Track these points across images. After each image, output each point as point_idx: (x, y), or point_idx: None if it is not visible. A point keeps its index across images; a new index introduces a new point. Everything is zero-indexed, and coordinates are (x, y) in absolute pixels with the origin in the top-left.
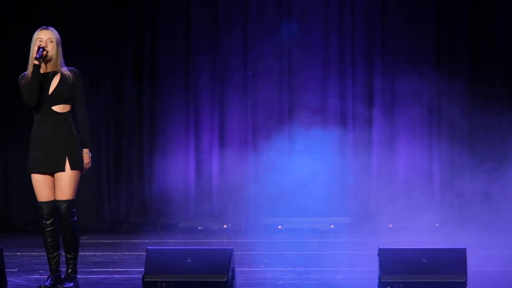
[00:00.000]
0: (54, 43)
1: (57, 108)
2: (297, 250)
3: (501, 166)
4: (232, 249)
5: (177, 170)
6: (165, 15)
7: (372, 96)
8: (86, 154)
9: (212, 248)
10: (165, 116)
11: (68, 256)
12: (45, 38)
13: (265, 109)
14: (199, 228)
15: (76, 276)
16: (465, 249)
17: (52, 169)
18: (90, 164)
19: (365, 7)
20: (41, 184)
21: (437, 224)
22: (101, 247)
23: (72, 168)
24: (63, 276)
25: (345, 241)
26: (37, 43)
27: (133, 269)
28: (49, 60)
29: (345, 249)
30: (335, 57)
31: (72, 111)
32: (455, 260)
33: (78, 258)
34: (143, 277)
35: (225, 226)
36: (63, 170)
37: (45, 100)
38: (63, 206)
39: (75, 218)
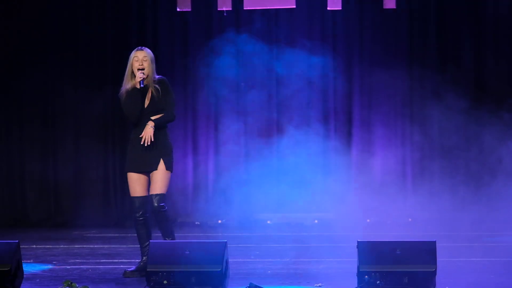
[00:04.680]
0: (149, 61)
1: (153, 117)
2: (284, 243)
3: (469, 164)
4: (225, 242)
5: (176, 171)
6: (165, 30)
7: (351, 102)
8: (151, 126)
9: (207, 241)
10: None
11: (167, 239)
12: (141, 57)
13: (255, 116)
14: (196, 223)
15: None
16: (435, 241)
17: (147, 169)
18: (148, 136)
19: (344, 24)
20: (135, 182)
21: (410, 219)
22: (108, 240)
23: (166, 169)
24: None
25: (327, 234)
26: (133, 63)
27: (138, 260)
28: (145, 78)
29: (328, 242)
30: (318, 68)
31: None
32: (426, 252)
33: (89, 250)
34: (146, 267)
35: (219, 221)
36: (156, 169)
37: (142, 113)
38: (156, 198)
39: (166, 208)
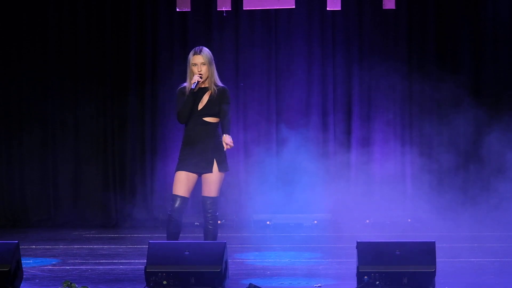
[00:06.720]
0: (207, 65)
1: (206, 119)
2: (283, 244)
3: (469, 164)
4: (225, 243)
5: None
6: (165, 31)
7: (351, 102)
8: (228, 136)
9: (207, 242)
10: (165, 121)
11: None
12: (199, 63)
13: (254, 116)
14: (195, 223)
15: None
16: (434, 242)
17: (200, 170)
18: (232, 144)
19: (344, 24)
20: (182, 181)
21: (409, 220)
22: (107, 241)
23: (219, 170)
24: None
25: (327, 235)
26: (192, 68)
27: (137, 261)
28: (204, 80)
29: (327, 242)
30: (318, 69)
31: (220, 122)
32: (425, 252)
33: (88, 251)
34: (145, 268)
35: (219, 222)
36: (211, 171)
37: (196, 113)
38: (209, 201)
39: (217, 213)
